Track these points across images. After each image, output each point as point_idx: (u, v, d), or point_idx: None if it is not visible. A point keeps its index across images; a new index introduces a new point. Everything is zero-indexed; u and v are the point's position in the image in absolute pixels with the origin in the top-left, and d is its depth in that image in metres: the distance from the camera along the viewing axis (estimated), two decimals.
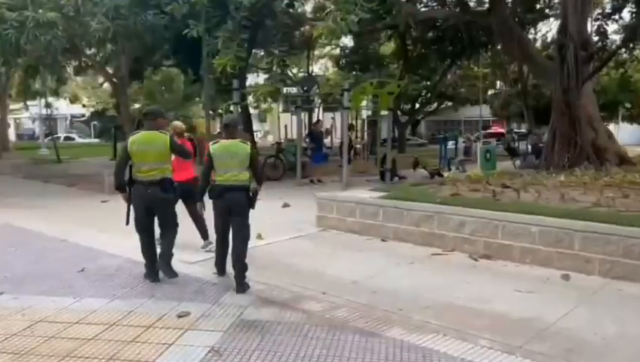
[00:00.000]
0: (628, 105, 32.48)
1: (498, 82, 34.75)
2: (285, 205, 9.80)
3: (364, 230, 7.21)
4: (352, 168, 13.16)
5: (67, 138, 39.25)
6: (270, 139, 40.39)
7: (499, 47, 19.85)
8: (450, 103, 36.09)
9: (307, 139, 14.04)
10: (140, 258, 6.03)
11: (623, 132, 34.79)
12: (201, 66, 12.82)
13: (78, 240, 7.08)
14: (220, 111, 14.46)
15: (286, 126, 21.86)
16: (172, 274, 5.27)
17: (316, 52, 29.71)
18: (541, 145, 13.30)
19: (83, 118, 47.66)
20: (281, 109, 35.11)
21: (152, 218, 5.29)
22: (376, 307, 4.55)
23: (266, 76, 27.99)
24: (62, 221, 8.56)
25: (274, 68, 10.85)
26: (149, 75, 24.82)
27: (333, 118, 23.55)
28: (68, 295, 4.85)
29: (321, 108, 24.57)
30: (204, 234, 6.43)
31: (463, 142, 17.73)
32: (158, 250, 5.39)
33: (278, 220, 8.41)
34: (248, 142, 5.28)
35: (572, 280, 5.23)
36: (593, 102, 10.11)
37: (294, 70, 22.13)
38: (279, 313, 4.35)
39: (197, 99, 31.58)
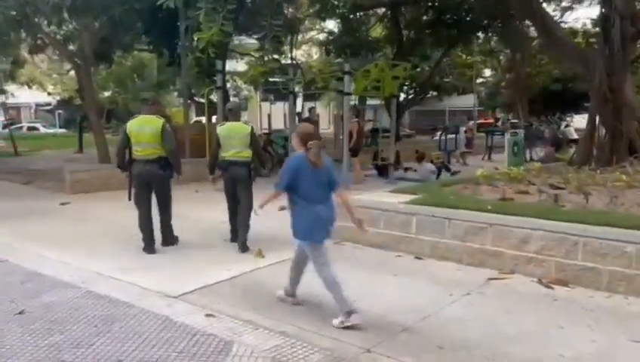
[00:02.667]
0: None
1: (487, 71, 33.57)
2: (282, 208, 8.22)
3: (392, 244, 5.75)
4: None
5: (31, 128, 36.55)
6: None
7: (497, 30, 18.60)
8: (435, 93, 34.81)
9: None
10: (103, 290, 4.55)
11: None
12: (178, 45, 11.17)
13: (22, 261, 5.44)
14: (201, 99, 12.71)
15: (269, 115, 20.24)
16: (173, 239, 6.00)
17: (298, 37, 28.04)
18: (561, 136, 12.08)
19: (49, 107, 44.90)
20: (259, 98, 33.34)
21: (150, 193, 5.78)
22: None
23: (246, 62, 26.35)
24: (6, 232, 6.85)
25: (266, 46, 9.22)
26: (118, 59, 22.82)
27: (314, 108, 22.02)
28: None
29: (301, 97, 22.92)
30: None
31: (465, 132, 16.47)
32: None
33: (278, 229, 6.86)
34: (250, 124, 6.12)
35: None
36: (632, 88, 8.83)
37: (275, 57, 20.29)
38: None
39: (172, 87, 29.64)
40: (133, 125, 5.62)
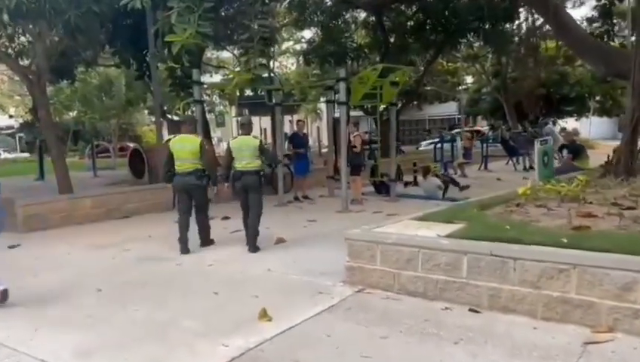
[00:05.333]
0: (598, 97, 31.20)
1: (469, 77, 32.80)
2: (279, 241, 6.90)
3: (435, 292, 4.43)
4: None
5: None
6: (224, 147, 36.98)
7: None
8: (415, 102, 33.89)
9: (290, 145, 11.17)
10: None
11: (593, 126, 33.80)
12: (147, 55, 9.75)
13: None
14: (176, 116, 11.28)
15: None
16: (209, 242, 6.76)
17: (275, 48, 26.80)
18: (579, 143, 11.08)
19: (11, 131, 42.58)
20: (234, 113, 31.91)
21: (190, 201, 6.60)
22: None
23: (222, 75, 24.95)
24: None
25: (250, 51, 7.89)
26: (83, 76, 21.17)
27: (302, 121, 20.75)
28: None
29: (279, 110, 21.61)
30: None
31: (462, 141, 15.40)
32: None
33: (280, 273, 5.52)
34: (258, 137, 6.92)
35: None
36: None
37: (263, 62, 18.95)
38: None
39: (142, 104, 28.00)
40: (175, 144, 6.53)
